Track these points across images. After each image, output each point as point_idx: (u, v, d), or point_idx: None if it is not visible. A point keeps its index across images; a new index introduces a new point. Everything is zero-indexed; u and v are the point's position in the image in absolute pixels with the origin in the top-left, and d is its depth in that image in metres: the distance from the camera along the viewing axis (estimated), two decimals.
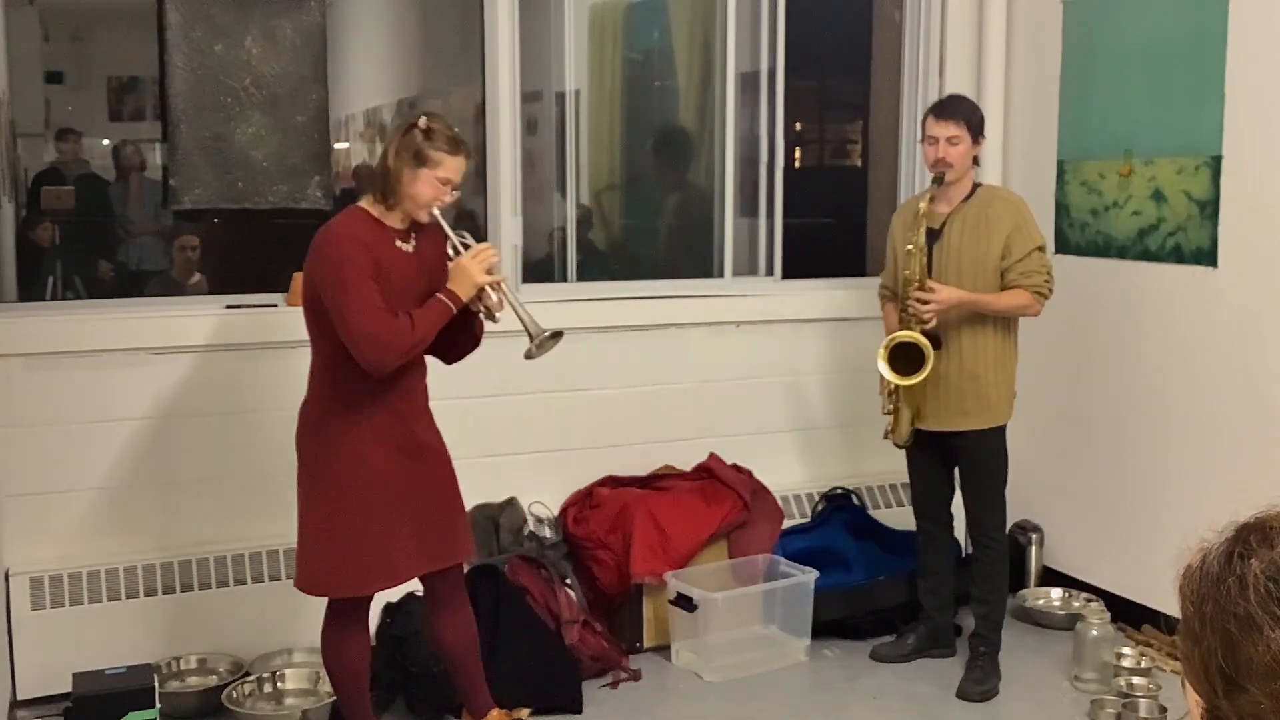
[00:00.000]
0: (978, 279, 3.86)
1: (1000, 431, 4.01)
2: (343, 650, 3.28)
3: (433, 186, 3.11)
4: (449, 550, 3.34)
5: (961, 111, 3.88)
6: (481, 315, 3.25)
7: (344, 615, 3.26)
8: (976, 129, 3.90)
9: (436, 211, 3.16)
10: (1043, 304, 3.90)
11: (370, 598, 3.34)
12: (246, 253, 5.14)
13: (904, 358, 3.87)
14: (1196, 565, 1.16)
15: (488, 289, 3.18)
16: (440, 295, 3.14)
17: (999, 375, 3.93)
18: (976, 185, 3.98)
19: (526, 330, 3.22)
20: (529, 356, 3.26)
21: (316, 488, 3.20)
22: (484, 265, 3.17)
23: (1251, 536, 1.14)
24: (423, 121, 3.12)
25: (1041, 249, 3.89)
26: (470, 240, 3.27)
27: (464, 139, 3.21)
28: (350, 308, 2.99)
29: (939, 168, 3.86)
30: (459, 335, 3.24)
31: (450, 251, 3.26)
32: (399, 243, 3.16)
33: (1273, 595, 1.08)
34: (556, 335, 3.25)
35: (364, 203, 3.19)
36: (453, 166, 3.13)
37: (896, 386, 3.95)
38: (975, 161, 3.99)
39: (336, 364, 3.11)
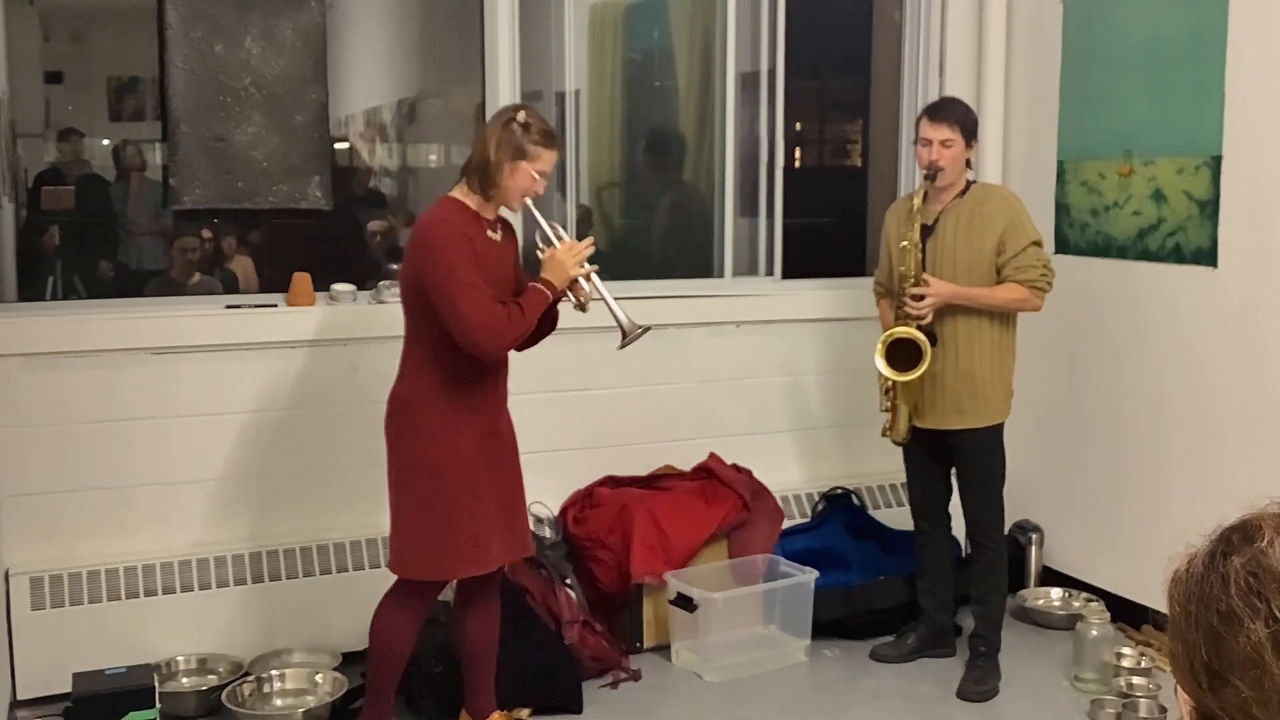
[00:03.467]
0: (973, 275, 3.86)
1: (997, 430, 4.00)
2: (399, 630, 3.30)
3: (529, 179, 3.19)
4: (523, 542, 3.41)
5: (955, 115, 3.88)
6: (573, 306, 3.33)
7: (415, 596, 3.29)
8: (970, 133, 3.90)
9: (529, 202, 3.25)
10: (1043, 298, 3.89)
11: (443, 585, 3.39)
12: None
13: (901, 354, 3.87)
14: (1183, 569, 1.19)
15: (580, 280, 3.27)
16: (537, 284, 3.22)
17: (995, 373, 3.93)
18: (970, 183, 3.98)
19: (618, 324, 3.31)
20: (620, 348, 3.36)
21: (410, 471, 3.23)
22: (578, 257, 3.27)
23: (1234, 536, 1.16)
24: (521, 115, 3.19)
25: (1038, 244, 3.89)
26: (563, 232, 3.36)
27: (557, 130, 3.30)
28: (461, 297, 3.05)
29: (931, 169, 3.85)
30: (541, 321, 3.28)
31: (540, 242, 3.34)
32: (490, 233, 3.24)
33: (1253, 589, 1.11)
34: (645, 329, 3.34)
35: (457, 193, 3.24)
36: (549, 159, 3.22)
37: (894, 383, 3.95)
38: (968, 165, 3.99)
39: (437, 352, 3.16)
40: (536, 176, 3.20)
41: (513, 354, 3.35)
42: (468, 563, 3.27)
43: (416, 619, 3.33)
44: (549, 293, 3.22)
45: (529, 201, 3.25)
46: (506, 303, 3.15)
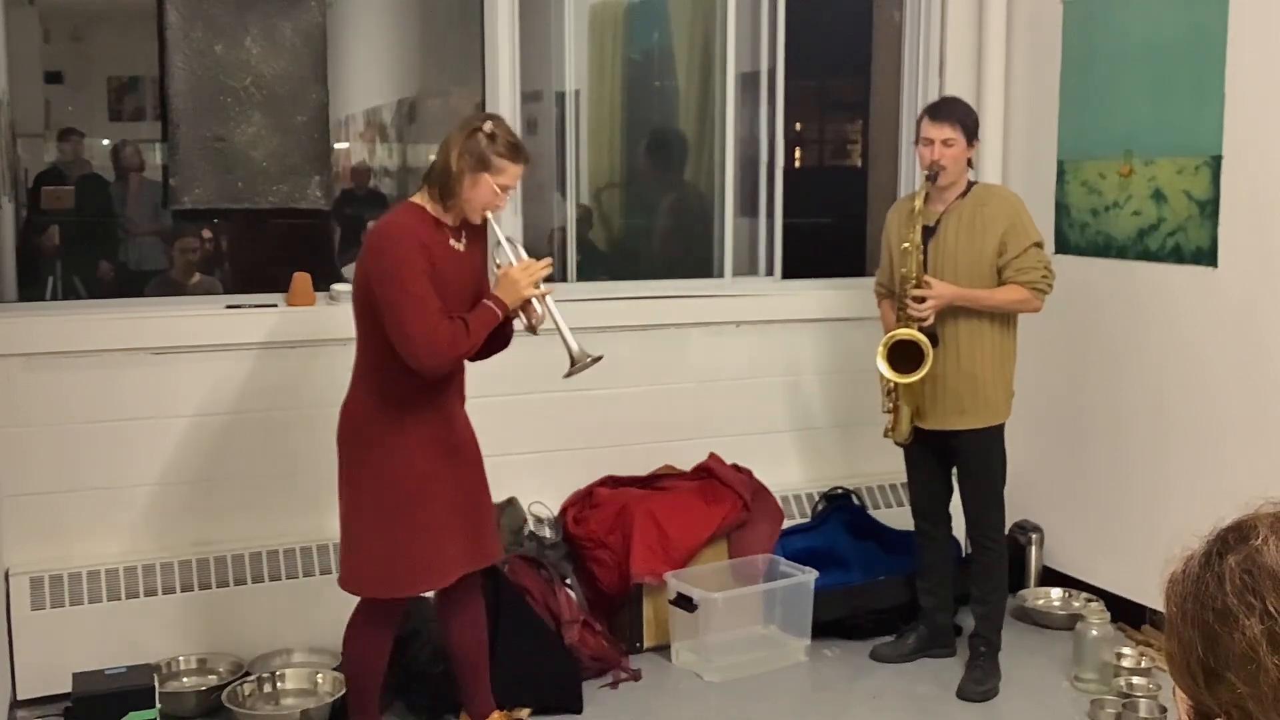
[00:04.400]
0: (974, 276, 3.86)
1: (998, 431, 4.00)
2: (369, 647, 3.28)
3: (491, 192, 3.11)
4: (486, 551, 3.35)
5: (957, 114, 3.87)
6: (523, 327, 3.25)
7: (380, 613, 3.26)
8: (971, 132, 3.89)
9: (490, 216, 3.17)
10: (1043, 299, 3.89)
11: (406, 600, 3.34)
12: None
13: (903, 355, 3.87)
14: (1180, 570, 1.20)
15: (533, 301, 3.19)
16: (488, 301, 3.14)
17: (996, 374, 3.93)
18: (972, 184, 3.98)
19: (568, 351, 3.20)
20: (567, 376, 3.25)
21: (363, 486, 3.17)
22: (533, 278, 3.17)
23: (1230, 535, 1.18)
24: (487, 126, 3.10)
25: (1039, 245, 3.88)
26: (522, 251, 3.28)
27: (524, 144, 3.22)
28: (407, 310, 2.98)
29: (933, 169, 3.84)
30: (492, 337, 3.21)
31: (497, 258, 3.27)
32: (452, 241, 3.16)
33: (1248, 586, 1.12)
34: (597, 359, 3.24)
35: (419, 198, 3.17)
36: (513, 173, 3.13)
37: (896, 385, 3.95)
38: (969, 164, 3.98)
39: (385, 361, 3.09)
40: (499, 190, 3.11)
41: (472, 362, 3.30)
42: (424, 579, 3.23)
43: (385, 634, 3.30)
44: (499, 311, 3.12)
45: (489, 215, 3.17)
46: (454, 318, 3.06)
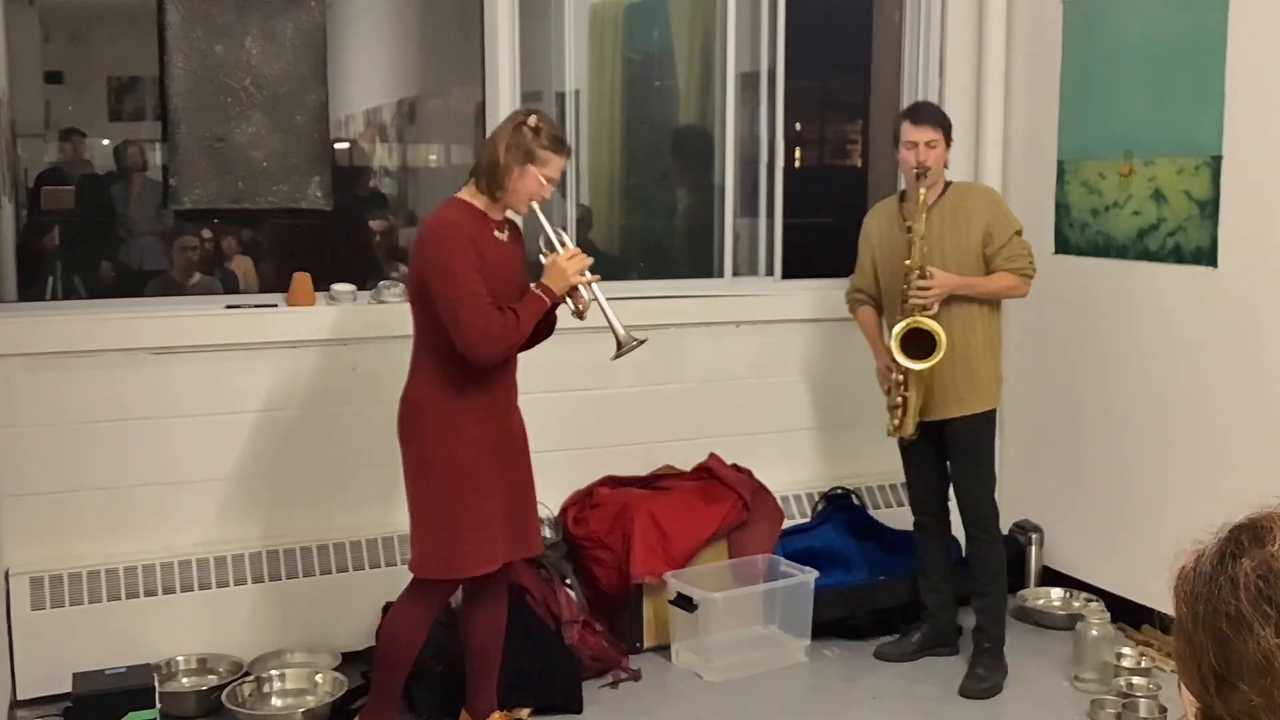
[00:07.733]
0: (961, 268, 3.94)
1: (990, 416, 4.06)
2: (408, 630, 3.32)
3: (537, 183, 3.22)
4: (530, 540, 3.44)
5: (936, 117, 4.00)
6: (571, 313, 3.36)
7: (426, 596, 3.32)
8: (949, 133, 4.01)
9: (535, 206, 3.27)
10: (1029, 284, 3.98)
11: (456, 585, 3.42)
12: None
13: (912, 346, 3.90)
14: (1190, 566, 1.17)
15: (580, 288, 3.29)
16: (536, 290, 3.25)
17: (988, 358, 4.01)
18: (948, 184, 4.06)
19: (614, 334, 3.32)
20: (614, 359, 3.37)
21: (422, 472, 3.26)
22: (580, 265, 3.28)
23: (1243, 536, 1.14)
24: (532, 120, 3.21)
25: (1019, 233, 3.98)
26: (567, 239, 3.40)
27: (566, 137, 3.33)
28: (461, 304, 3.08)
29: (919, 170, 3.93)
30: (538, 326, 3.29)
31: (544, 246, 3.36)
32: (497, 233, 3.27)
33: (1263, 594, 1.09)
34: (641, 342, 3.35)
35: (464, 194, 3.26)
36: (557, 165, 3.25)
37: (906, 377, 3.97)
38: (945, 165, 4.04)
39: (443, 351, 3.18)
40: (544, 181, 3.23)
41: (521, 352, 3.37)
42: (475, 562, 3.29)
43: (427, 618, 3.35)
44: (547, 299, 3.25)
45: (535, 205, 3.27)
46: (504, 309, 3.16)
